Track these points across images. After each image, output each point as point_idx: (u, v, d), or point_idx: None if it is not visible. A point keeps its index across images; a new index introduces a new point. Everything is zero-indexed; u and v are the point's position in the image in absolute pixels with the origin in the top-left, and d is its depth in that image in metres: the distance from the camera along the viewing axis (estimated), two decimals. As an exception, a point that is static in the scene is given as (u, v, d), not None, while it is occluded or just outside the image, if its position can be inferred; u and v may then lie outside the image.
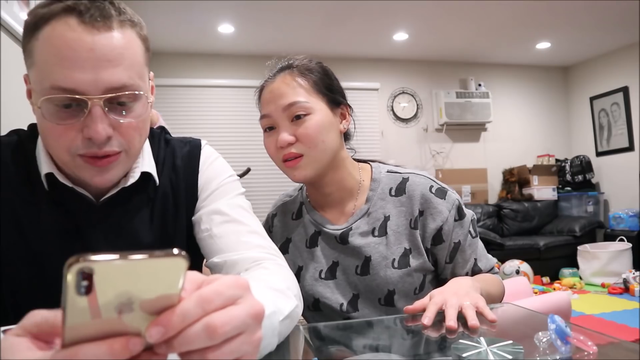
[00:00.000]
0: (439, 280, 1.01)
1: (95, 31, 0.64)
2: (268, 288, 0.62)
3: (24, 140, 0.77)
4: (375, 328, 0.78)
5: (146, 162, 0.80)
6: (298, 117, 0.91)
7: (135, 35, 0.70)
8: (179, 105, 4.62)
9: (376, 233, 0.97)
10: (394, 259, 0.95)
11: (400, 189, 0.98)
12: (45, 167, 0.73)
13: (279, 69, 0.97)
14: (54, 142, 0.68)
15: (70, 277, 0.30)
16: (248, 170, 4.33)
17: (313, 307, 1.00)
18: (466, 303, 0.72)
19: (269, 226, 1.12)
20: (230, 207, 0.82)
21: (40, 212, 0.74)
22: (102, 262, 0.30)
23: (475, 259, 0.99)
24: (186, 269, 0.33)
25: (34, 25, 0.65)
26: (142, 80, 0.70)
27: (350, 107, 1.02)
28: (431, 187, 0.97)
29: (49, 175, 0.73)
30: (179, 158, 0.85)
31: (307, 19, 3.99)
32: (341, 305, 0.97)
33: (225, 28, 4.11)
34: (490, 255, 1.04)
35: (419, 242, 0.95)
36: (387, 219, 0.97)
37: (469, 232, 0.98)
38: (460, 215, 0.97)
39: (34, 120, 0.73)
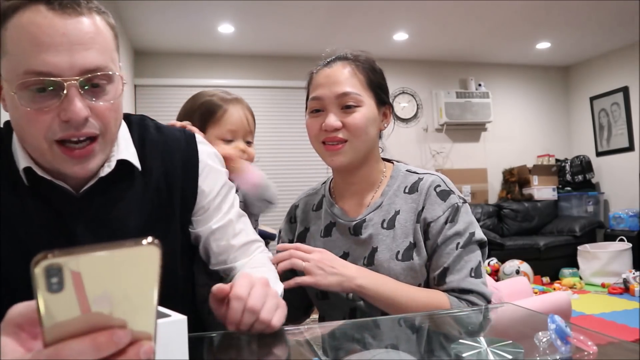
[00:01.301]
0: None
1: (67, 16, 0.65)
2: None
3: (3, 135, 0.77)
4: (375, 327, 0.78)
5: (122, 149, 0.79)
6: (348, 106, 0.96)
7: (103, 21, 0.71)
8: (179, 105, 4.60)
9: (385, 225, 0.99)
10: (398, 252, 0.96)
11: (413, 188, 1.01)
12: (22, 162, 0.73)
13: (337, 57, 1.03)
14: (30, 128, 0.68)
15: (39, 275, 0.29)
16: (248, 170, 4.33)
17: (321, 295, 1.02)
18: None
19: (290, 216, 1.17)
20: (237, 219, 0.92)
21: (24, 206, 0.74)
22: (70, 257, 0.30)
23: (446, 269, 0.92)
24: (159, 256, 0.32)
25: (2, 15, 0.66)
26: (114, 64, 0.72)
27: (392, 107, 1.07)
28: (437, 186, 0.98)
29: (28, 170, 0.73)
30: (171, 146, 0.86)
31: (307, 19, 3.99)
32: (347, 294, 0.98)
33: (225, 28, 4.11)
34: (481, 284, 0.93)
35: (420, 237, 0.97)
36: (397, 213, 0.99)
37: (457, 242, 0.93)
38: (454, 219, 0.94)
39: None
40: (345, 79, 0.97)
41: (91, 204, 0.76)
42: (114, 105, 0.71)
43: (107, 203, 0.77)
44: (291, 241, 1.12)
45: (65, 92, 0.65)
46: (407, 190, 1.01)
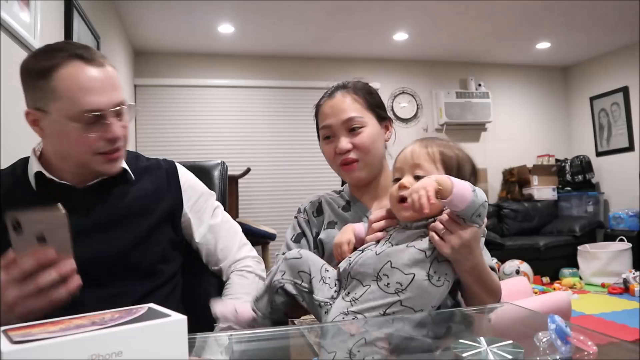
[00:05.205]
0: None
1: (100, 67, 0.93)
2: None
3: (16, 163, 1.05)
4: (376, 327, 0.78)
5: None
6: (354, 129, 1.09)
7: (112, 67, 0.98)
8: (179, 105, 4.62)
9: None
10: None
11: None
12: (34, 168, 0.97)
13: (336, 88, 1.15)
14: (79, 146, 0.93)
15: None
16: (248, 170, 4.33)
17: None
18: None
19: (313, 210, 1.17)
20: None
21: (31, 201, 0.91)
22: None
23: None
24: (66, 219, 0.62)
25: (45, 72, 0.90)
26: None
27: (392, 120, 1.19)
28: None
29: (38, 174, 0.97)
30: (157, 166, 1.13)
31: (307, 19, 3.99)
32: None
33: (225, 28, 4.11)
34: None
35: None
36: None
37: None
38: None
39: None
40: (347, 106, 1.09)
41: (89, 196, 1.00)
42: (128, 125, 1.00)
43: (101, 196, 1.01)
44: (317, 234, 1.12)
45: (107, 120, 0.93)
46: None
